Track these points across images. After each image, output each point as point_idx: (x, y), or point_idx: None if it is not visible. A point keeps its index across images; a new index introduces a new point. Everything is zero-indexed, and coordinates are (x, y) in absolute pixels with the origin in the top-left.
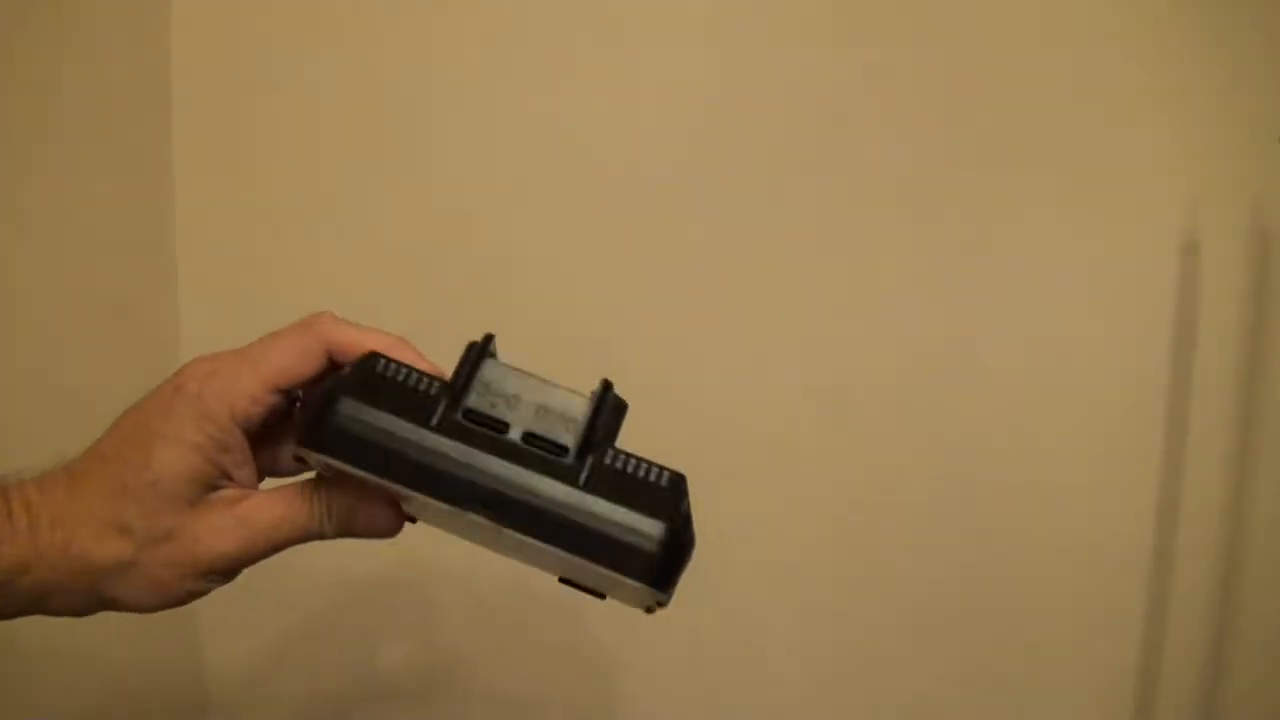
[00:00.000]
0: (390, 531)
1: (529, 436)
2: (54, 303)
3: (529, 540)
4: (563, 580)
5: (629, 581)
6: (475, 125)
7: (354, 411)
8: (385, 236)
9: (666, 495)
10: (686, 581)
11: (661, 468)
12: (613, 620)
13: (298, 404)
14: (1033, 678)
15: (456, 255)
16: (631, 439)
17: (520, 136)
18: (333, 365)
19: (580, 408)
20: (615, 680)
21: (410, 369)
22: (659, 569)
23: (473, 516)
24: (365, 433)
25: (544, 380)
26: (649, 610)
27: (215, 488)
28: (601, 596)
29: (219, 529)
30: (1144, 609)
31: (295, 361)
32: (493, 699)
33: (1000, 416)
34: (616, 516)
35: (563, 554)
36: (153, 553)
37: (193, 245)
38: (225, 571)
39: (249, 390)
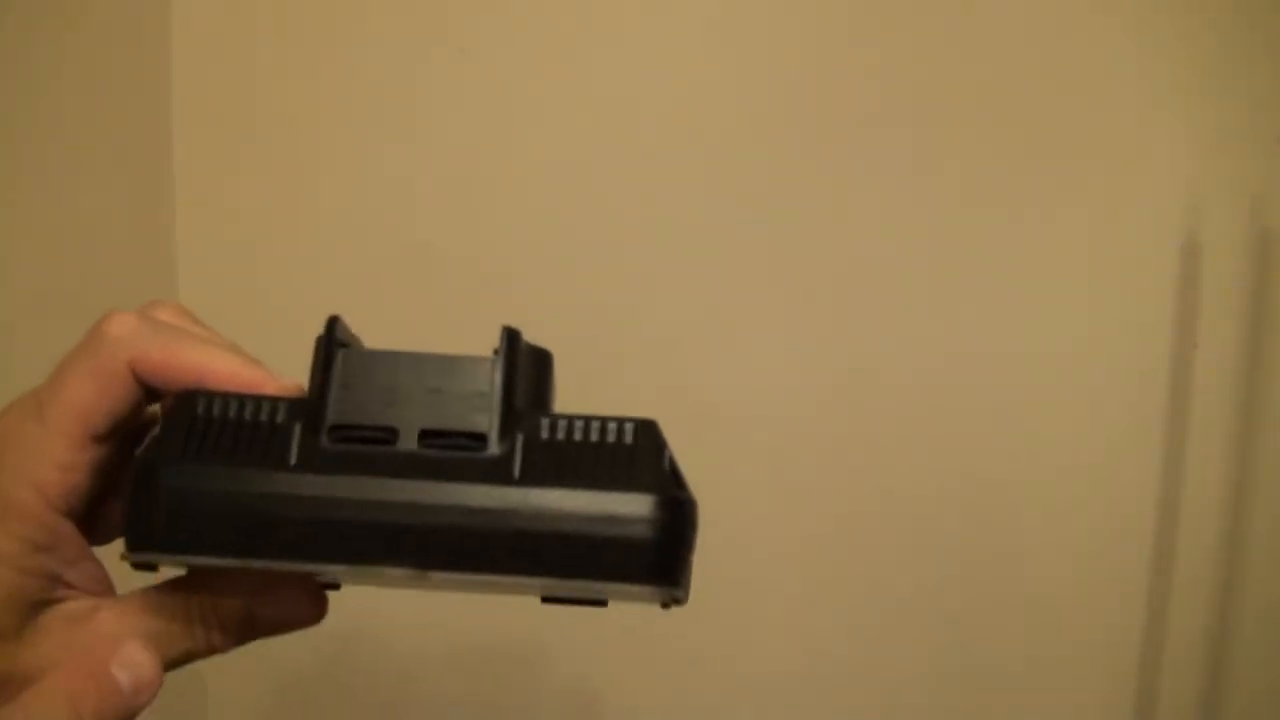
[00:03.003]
0: (311, 619)
1: (427, 435)
2: (54, 302)
3: (470, 578)
4: (547, 599)
5: (628, 587)
6: (478, 125)
7: (181, 481)
8: (387, 237)
9: (640, 455)
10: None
11: (621, 420)
12: (607, 619)
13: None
14: (1033, 677)
15: (458, 256)
16: None
17: (523, 134)
18: (149, 393)
19: (485, 375)
20: (612, 679)
21: (245, 398)
22: (662, 559)
23: (387, 571)
24: (204, 506)
25: (425, 355)
26: (665, 605)
27: (47, 603)
28: (601, 603)
29: (63, 664)
30: (1144, 607)
31: (96, 394)
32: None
33: (1000, 416)
34: (581, 505)
35: (525, 580)
36: None
37: (193, 245)
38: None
39: (54, 455)
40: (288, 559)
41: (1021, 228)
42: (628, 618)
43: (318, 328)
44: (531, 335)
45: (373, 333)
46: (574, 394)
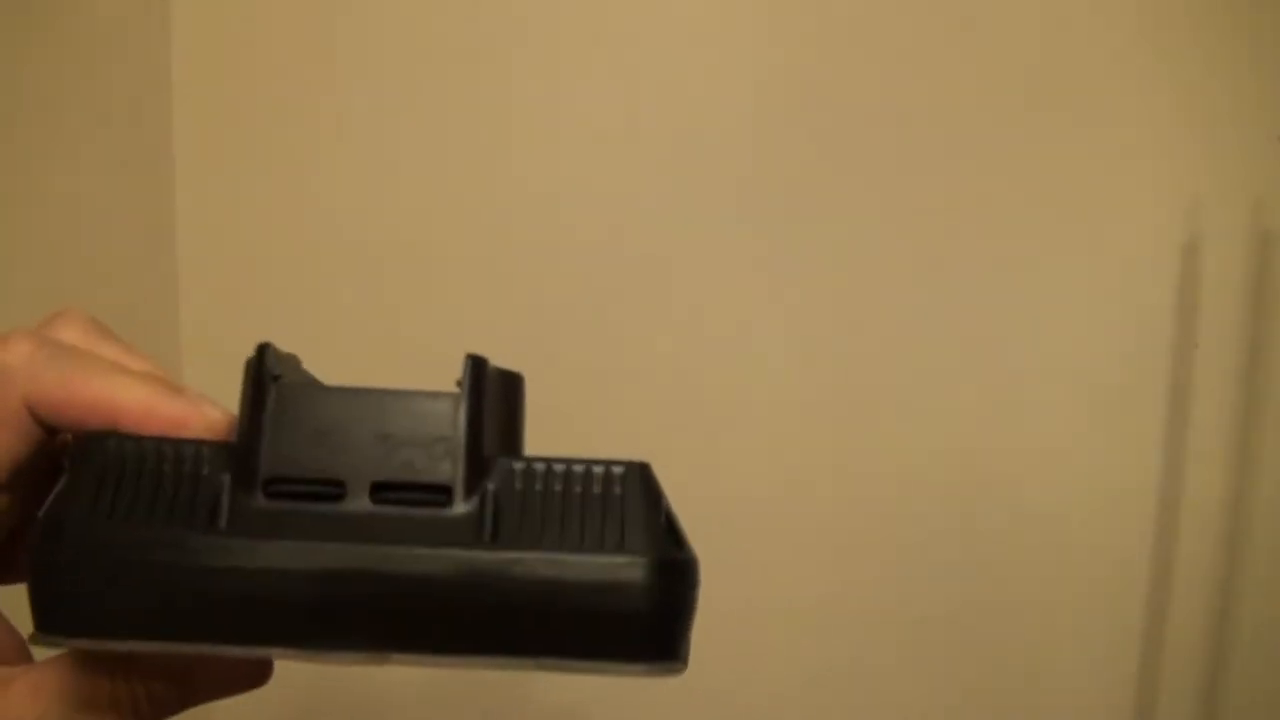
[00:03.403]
0: (255, 683)
1: (381, 489)
2: (54, 303)
3: (433, 661)
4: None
5: (621, 666)
6: (479, 126)
7: (90, 551)
8: (387, 238)
9: (631, 507)
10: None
11: (608, 464)
12: None
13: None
14: (1033, 677)
15: (459, 258)
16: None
17: (524, 138)
18: (50, 433)
19: (447, 415)
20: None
21: (164, 443)
22: (661, 633)
23: (335, 656)
24: (118, 582)
25: (375, 390)
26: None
27: None
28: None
29: None
30: (1144, 607)
31: None
32: None
33: (1000, 416)
34: (563, 573)
35: (493, 662)
36: None
37: (193, 245)
38: None
39: None
40: (220, 643)
41: (1023, 228)
42: None
43: (319, 327)
44: (527, 338)
45: (373, 333)
46: (569, 400)
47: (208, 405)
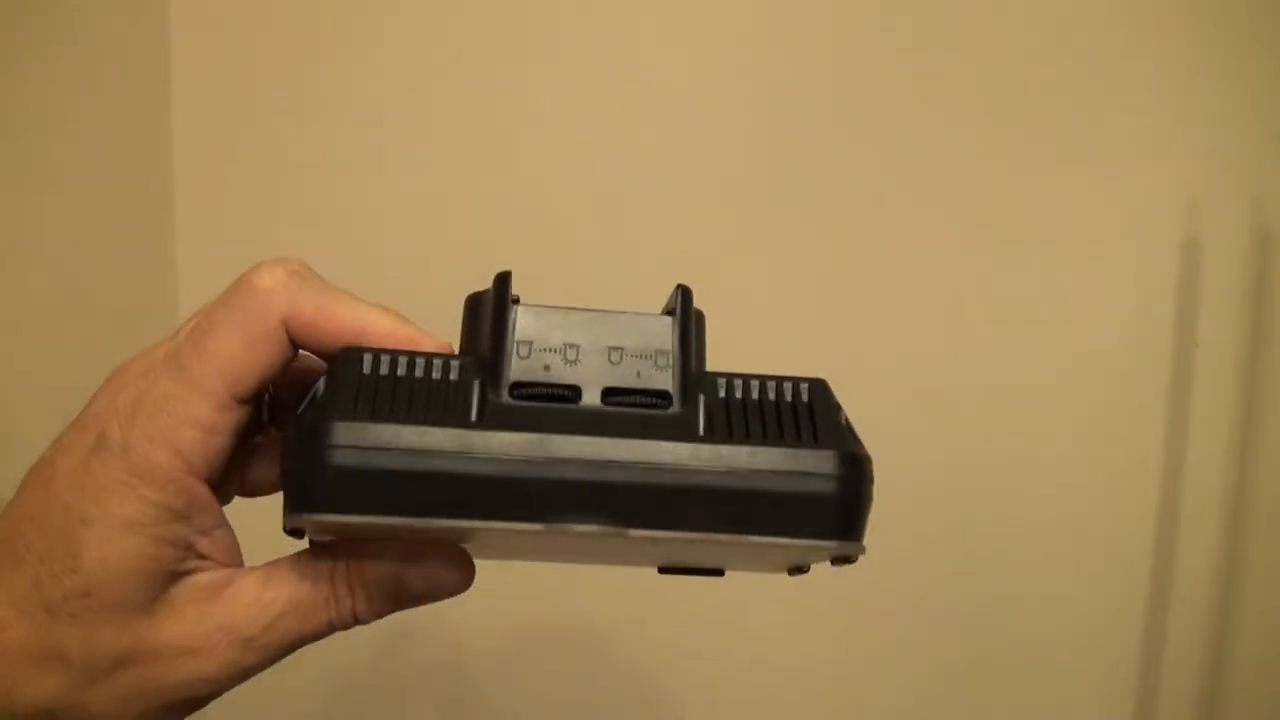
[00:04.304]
0: (461, 586)
1: (611, 394)
2: (54, 303)
3: (663, 535)
4: (665, 570)
5: (812, 543)
6: (478, 123)
7: (355, 438)
8: (387, 236)
9: (817, 412)
10: (686, 586)
11: (795, 379)
12: (615, 625)
13: (266, 399)
14: (1033, 677)
15: (459, 255)
16: None
17: (524, 134)
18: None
19: (664, 333)
20: (613, 679)
21: (414, 355)
22: (848, 514)
23: (579, 529)
24: (382, 463)
25: (601, 312)
26: (836, 563)
27: (179, 574)
28: (719, 573)
29: (193, 642)
30: (1145, 608)
31: (245, 352)
32: None
33: (1000, 416)
34: (769, 462)
35: (712, 537)
36: (101, 688)
37: (193, 245)
38: (207, 698)
39: (195, 416)
40: (474, 517)
41: (1022, 228)
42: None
43: None
44: None
45: None
46: None
47: (431, 331)
